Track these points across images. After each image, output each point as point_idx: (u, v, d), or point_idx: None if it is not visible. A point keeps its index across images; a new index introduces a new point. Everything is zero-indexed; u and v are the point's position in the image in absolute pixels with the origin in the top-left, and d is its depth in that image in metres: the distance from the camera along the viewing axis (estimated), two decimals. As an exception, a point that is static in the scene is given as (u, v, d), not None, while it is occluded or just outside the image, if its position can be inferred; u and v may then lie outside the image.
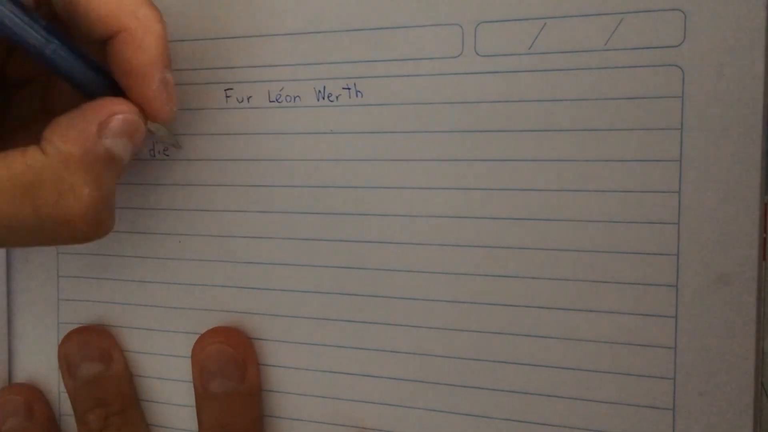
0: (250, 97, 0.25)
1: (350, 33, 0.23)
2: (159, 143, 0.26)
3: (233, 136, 0.25)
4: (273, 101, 0.25)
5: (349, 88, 0.24)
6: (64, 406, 0.28)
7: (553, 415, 0.22)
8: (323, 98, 0.24)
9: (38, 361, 0.28)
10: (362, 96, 0.23)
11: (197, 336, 0.26)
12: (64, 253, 0.28)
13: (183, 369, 0.26)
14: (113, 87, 0.22)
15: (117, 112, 0.21)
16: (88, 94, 0.22)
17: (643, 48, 0.21)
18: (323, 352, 0.25)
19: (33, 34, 0.20)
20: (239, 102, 0.25)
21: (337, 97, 0.24)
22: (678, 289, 0.21)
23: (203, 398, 0.25)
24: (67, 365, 0.27)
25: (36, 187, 0.20)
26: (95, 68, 0.22)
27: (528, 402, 0.23)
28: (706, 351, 0.21)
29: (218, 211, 0.26)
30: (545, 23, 0.21)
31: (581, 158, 0.21)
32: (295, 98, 0.24)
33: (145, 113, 0.22)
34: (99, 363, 0.26)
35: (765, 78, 0.20)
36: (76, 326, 0.28)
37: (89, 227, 0.21)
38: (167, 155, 0.26)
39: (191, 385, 0.26)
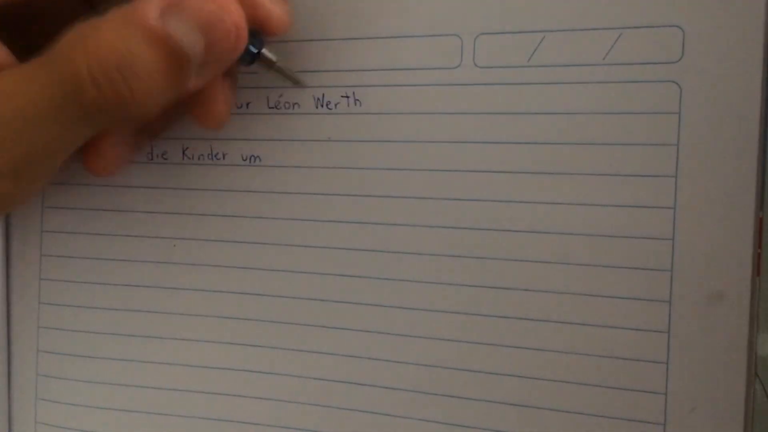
0: (249, 102, 0.25)
1: (350, 41, 0.23)
2: (277, 76, 0.23)
3: (231, 141, 0.25)
4: (272, 107, 0.25)
5: (347, 97, 0.24)
6: (40, 413, 0.28)
7: (544, 427, 0.22)
8: (322, 106, 0.24)
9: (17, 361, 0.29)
10: (361, 105, 0.24)
11: (188, 343, 0.26)
12: (47, 256, 0.28)
13: (176, 377, 0.26)
14: None
15: None
16: None
17: (642, 63, 0.21)
18: (315, 358, 0.25)
19: None
20: (238, 107, 0.25)
21: (335, 105, 0.24)
22: (671, 304, 0.21)
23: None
24: None
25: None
26: None
27: (519, 414, 0.23)
28: (698, 367, 0.21)
29: (213, 215, 0.26)
30: (544, 36, 0.22)
31: (577, 172, 0.22)
32: (294, 105, 0.24)
33: (254, 19, 0.20)
34: None
35: (762, 95, 0.20)
36: (56, 331, 0.28)
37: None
38: (165, 159, 0.26)
39: (186, 393, 0.26)
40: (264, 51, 0.22)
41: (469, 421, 0.23)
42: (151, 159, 0.26)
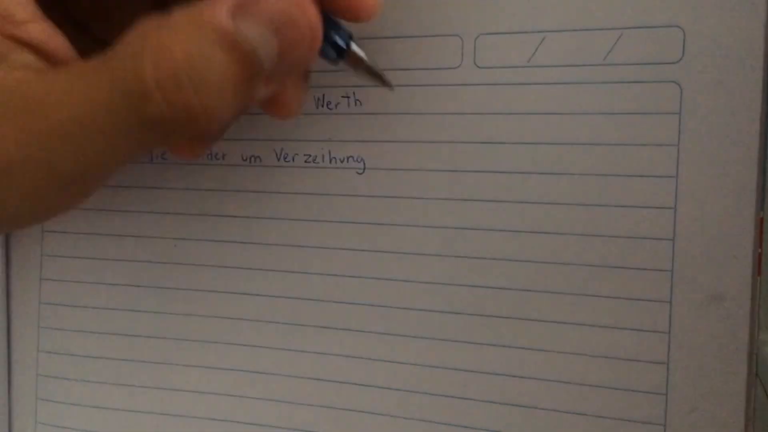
0: (249, 103, 0.25)
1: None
2: (361, 75, 0.20)
3: (231, 142, 0.25)
4: (272, 107, 0.25)
5: (348, 97, 0.24)
6: (40, 413, 0.28)
7: (544, 428, 0.22)
8: (322, 106, 0.24)
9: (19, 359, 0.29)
10: (361, 105, 0.24)
11: (188, 343, 0.26)
12: (48, 256, 0.28)
13: (177, 377, 0.26)
14: None
15: None
16: None
17: (642, 64, 0.21)
18: (314, 359, 0.25)
19: None
20: (238, 108, 0.25)
21: (336, 105, 0.24)
22: (672, 305, 0.21)
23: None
24: None
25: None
26: None
27: (519, 414, 0.23)
28: (698, 367, 0.21)
29: (213, 216, 0.26)
30: (545, 36, 0.22)
31: (577, 172, 0.22)
32: (294, 105, 0.24)
33: (341, 7, 0.18)
34: None
35: (762, 96, 0.20)
36: (57, 331, 0.28)
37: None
38: (165, 159, 0.26)
39: (186, 393, 0.26)
40: (353, 47, 0.19)
41: (469, 421, 0.23)
42: (151, 160, 0.26)
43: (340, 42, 0.19)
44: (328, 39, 0.18)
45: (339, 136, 0.24)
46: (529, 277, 0.22)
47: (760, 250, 0.21)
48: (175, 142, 0.18)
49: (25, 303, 0.28)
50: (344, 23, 0.19)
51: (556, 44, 0.21)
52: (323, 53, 0.19)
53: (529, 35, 0.22)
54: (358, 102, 0.24)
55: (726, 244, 0.21)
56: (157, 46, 0.15)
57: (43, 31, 0.17)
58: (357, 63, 0.20)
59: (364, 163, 0.24)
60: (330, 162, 0.24)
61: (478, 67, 0.22)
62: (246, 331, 0.26)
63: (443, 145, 0.23)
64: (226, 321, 0.26)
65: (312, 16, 0.17)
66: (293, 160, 0.24)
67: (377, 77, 0.20)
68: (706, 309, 0.21)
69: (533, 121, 0.22)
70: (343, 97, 0.24)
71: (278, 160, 0.25)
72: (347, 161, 0.24)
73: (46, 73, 0.17)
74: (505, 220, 0.22)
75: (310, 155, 0.24)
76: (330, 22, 0.19)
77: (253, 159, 0.25)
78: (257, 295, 0.25)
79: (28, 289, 0.28)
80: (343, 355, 0.25)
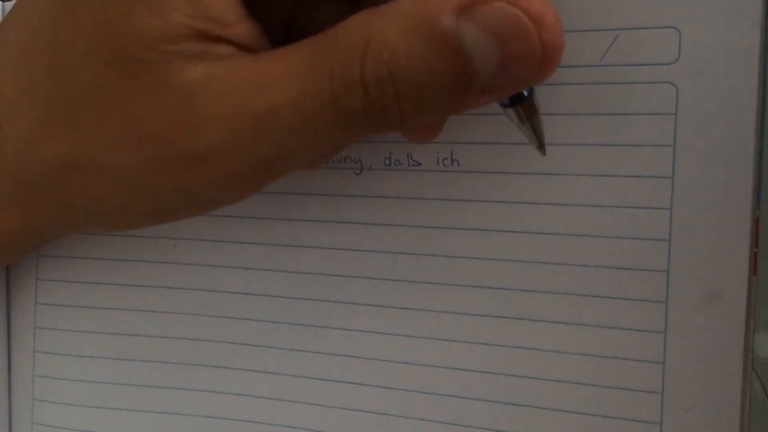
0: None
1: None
2: (523, 130, 0.19)
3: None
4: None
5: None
6: (37, 414, 0.28)
7: (541, 427, 0.23)
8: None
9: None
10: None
11: (187, 342, 0.26)
12: (44, 256, 0.28)
13: (174, 376, 0.26)
14: None
15: None
16: None
17: (638, 65, 0.21)
18: (314, 358, 0.25)
19: None
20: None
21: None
22: (668, 305, 0.21)
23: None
24: None
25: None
26: None
27: (516, 414, 0.23)
28: (694, 367, 0.21)
29: (214, 216, 0.26)
30: (541, 38, 0.22)
31: (573, 172, 0.22)
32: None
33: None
34: None
35: (758, 96, 0.20)
36: (54, 332, 0.28)
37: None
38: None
39: (185, 391, 0.26)
40: (534, 98, 0.17)
41: (466, 420, 0.23)
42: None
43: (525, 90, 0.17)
44: None
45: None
46: (525, 277, 0.22)
47: (756, 250, 0.21)
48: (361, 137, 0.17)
49: (22, 304, 0.28)
50: None
51: (552, 45, 0.21)
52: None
53: (526, 36, 0.22)
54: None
55: (722, 243, 0.21)
56: (372, 40, 0.14)
57: (247, 31, 0.17)
58: (529, 116, 0.18)
59: (362, 164, 0.24)
60: (327, 162, 0.24)
61: (475, 67, 0.22)
62: (247, 330, 0.26)
63: (439, 145, 0.23)
64: (227, 320, 0.26)
65: (553, 34, 0.14)
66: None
67: (538, 136, 0.18)
68: (702, 309, 0.21)
69: (530, 121, 0.22)
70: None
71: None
72: (344, 161, 0.24)
73: (258, 57, 0.16)
74: (500, 220, 0.22)
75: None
76: None
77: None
78: (258, 294, 0.25)
79: (24, 289, 0.28)
80: (343, 354, 0.25)
